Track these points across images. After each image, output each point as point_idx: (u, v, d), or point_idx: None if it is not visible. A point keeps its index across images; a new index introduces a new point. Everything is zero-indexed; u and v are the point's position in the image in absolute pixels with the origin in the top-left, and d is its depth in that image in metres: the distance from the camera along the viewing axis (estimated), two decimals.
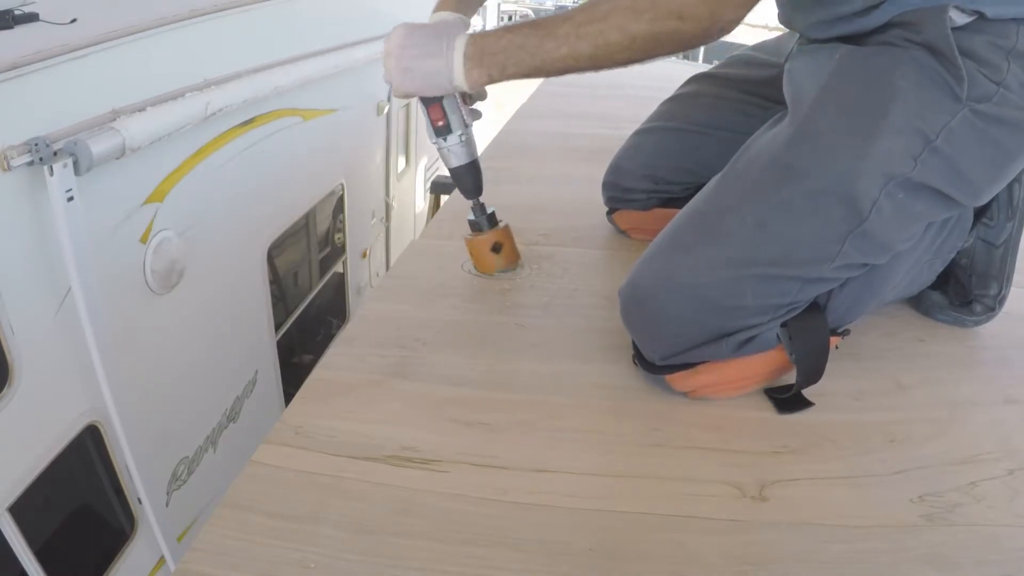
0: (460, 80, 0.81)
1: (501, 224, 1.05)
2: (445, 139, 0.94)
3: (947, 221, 0.83)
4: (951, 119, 0.68)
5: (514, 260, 1.07)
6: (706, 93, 1.11)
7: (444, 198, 1.84)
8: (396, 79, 0.85)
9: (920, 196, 0.71)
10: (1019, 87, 0.67)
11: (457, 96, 0.91)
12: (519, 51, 0.77)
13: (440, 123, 0.92)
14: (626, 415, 0.78)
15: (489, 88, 0.88)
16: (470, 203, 1.02)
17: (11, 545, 1.40)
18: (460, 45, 0.80)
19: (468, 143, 0.96)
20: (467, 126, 0.94)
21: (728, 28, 0.71)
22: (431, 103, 0.90)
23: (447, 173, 1.00)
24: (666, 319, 0.76)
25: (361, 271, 3.41)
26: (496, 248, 1.04)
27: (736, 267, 0.72)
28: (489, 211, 1.04)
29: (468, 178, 0.98)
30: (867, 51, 0.73)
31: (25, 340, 1.37)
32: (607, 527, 0.63)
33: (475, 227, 1.04)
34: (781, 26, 0.90)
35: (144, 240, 1.69)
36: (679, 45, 0.72)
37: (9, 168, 1.27)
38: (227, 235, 2.08)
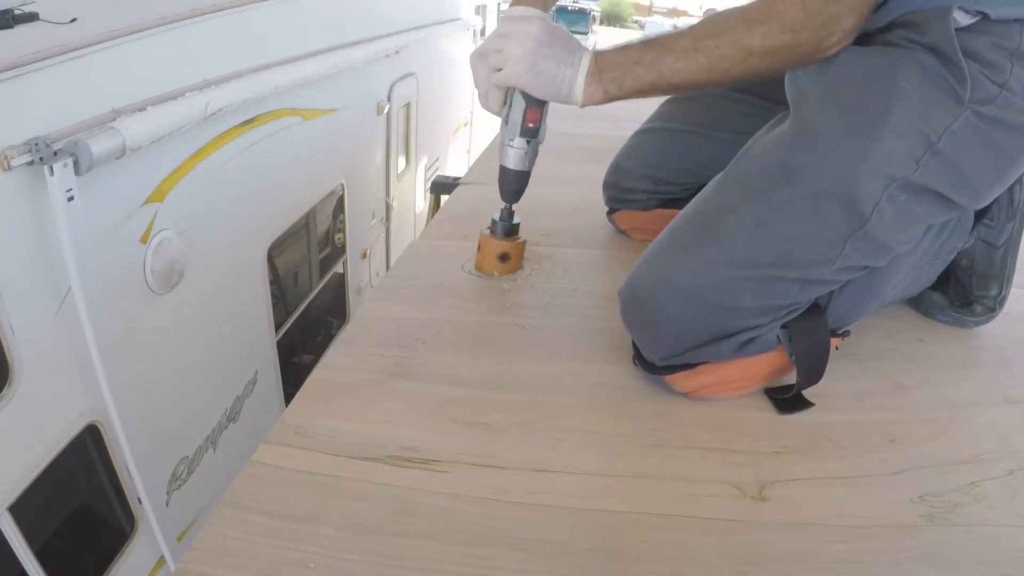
0: (578, 95, 0.81)
1: (520, 239, 1.06)
2: (528, 142, 0.93)
3: (947, 223, 0.83)
4: (953, 121, 0.68)
5: (514, 271, 1.07)
6: (707, 93, 1.11)
7: (444, 198, 1.84)
8: (519, 72, 0.82)
9: (921, 199, 0.71)
10: (1022, 89, 0.67)
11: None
12: (636, 67, 0.77)
13: (532, 125, 0.91)
14: (626, 415, 0.78)
15: None
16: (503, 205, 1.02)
17: (11, 545, 1.40)
18: (585, 61, 0.80)
19: (535, 153, 0.96)
20: (542, 139, 0.95)
21: (845, 38, 0.71)
22: (533, 104, 0.90)
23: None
24: (666, 319, 0.76)
25: (361, 271, 3.40)
26: (504, 258, 1.05)
27: (735, 268, 0.72)
28: (515, 221, 1.04)
29: (516, 184, 0.98)
30: (870, 52, 0.73)
31: (25, 340, 1.37)
32: (607, 527, 0.63)
33: (494, 228, 1.05)
34: None
35: (144, 240, 1.69)
36: (796, 59, 0.73)
37: (9, 168, 1.27)
38: (227, 235, 2.08)
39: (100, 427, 1.61)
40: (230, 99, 1.88)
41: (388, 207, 3.62)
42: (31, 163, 1.31)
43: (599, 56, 0.80)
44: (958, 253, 0.91)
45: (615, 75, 0.79)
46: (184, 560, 0.57)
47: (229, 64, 1.94)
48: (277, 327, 2.52)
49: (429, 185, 4.29)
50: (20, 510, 1.40)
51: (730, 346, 0.75)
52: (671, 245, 0.78)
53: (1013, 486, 0.69)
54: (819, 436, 0.75)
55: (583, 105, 0.83)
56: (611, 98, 0.81)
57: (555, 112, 0.93)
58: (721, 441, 0.74)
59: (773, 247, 0.72)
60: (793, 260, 0.72)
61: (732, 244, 0.73)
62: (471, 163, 1.96)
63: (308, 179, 2.65)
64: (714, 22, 0.74)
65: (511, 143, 0.94)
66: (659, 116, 1.16)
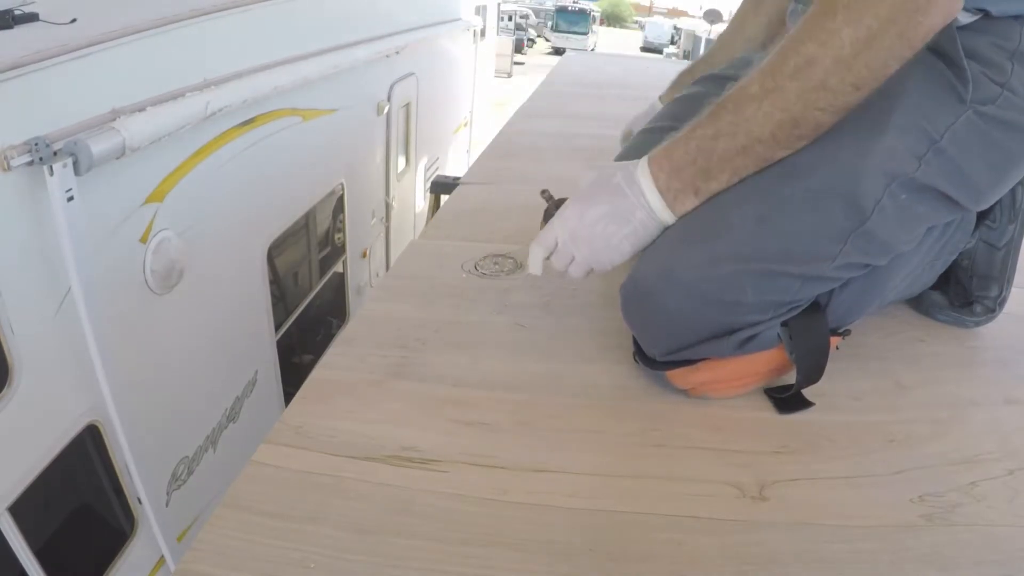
0: (663, 214, 0.75)
1: None
2: None
3: (949, 224, 0.83)
4: (955, 120, 0.68)
5: None
6: (712, 94, 1.10)
7: (444, 198, 1.84)
8: (589, 254, 0.77)
9: (923, 198, 0.71)
10: (1022, 89, 0.67)
11: None
12: (714, 142, 0.71)
13: None
14: (626, 415, 0.78)
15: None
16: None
17: (11, 545, 1.40)
18: (646, 180, 0.73)
19: None
20: None
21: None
22: None
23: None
24: (667, 314, 0.76)
25: (361, 271, 3.41)
26: None
27: (737, 262, 0.72)
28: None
29: None
30: None
31: (25, 340, 1.37)
32: (607, 527, 0.63)
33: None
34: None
35: (144, 240, 1.69)
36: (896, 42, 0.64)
37: (9, 168, 1.27)
38: (227, 235, 2.08)
39: (100, 427, 1.61)
40: (230, 99, 1.88)
41: (388, 207, 3.62)
42: (31, 163, 1.31)
43: (658, 160, 0.73)
44: (959, 253, 0.91)
45: (695, 168, 0.72)
46: (184, 560, 0.57)
47: (229, 64, 1.94)
48: (277, 327, 2.52)
49: (429, 185, 4.30)
50: (20, 510, 1.40)
51: (731, 343, 0.75)
52: (673, 240, 0.77)
53: (1013, 486, 0.69)
54: (819, 436, 0.75)
55: (679, 215, 0.76)
56: (704, 195, 0.74)
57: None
58: (721, 441, 0.74)
59: (775, 242, 0.72)
60: (794, 255, 0.72)
61: (734, 239, 0.73)
62: (471, 163, 1.96)
63: (308, 179, 2.66)
64: (780, 52, 0.66)
65: None
66: (663, 116, 1.16)
